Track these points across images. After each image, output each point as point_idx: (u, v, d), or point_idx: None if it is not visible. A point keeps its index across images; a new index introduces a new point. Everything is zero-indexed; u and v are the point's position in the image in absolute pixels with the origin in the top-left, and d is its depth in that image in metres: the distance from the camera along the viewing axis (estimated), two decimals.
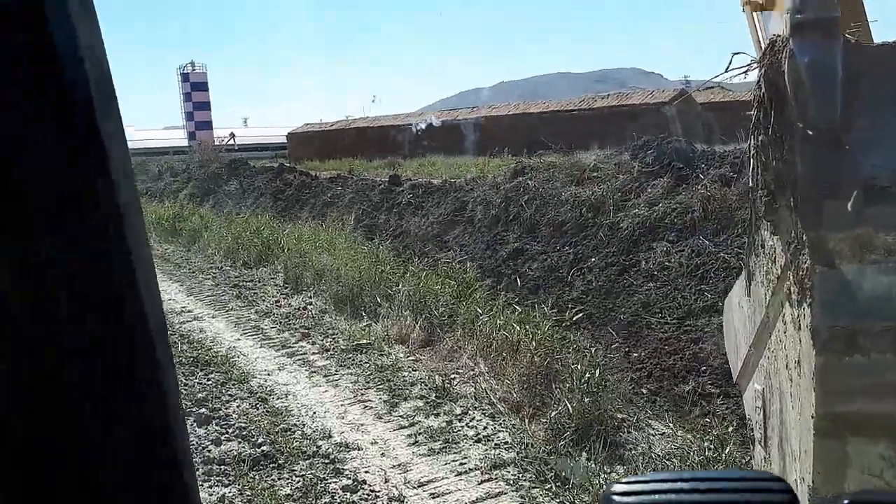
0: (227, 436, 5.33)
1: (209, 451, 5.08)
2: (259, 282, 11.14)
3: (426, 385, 6.11)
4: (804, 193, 2.61)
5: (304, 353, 7.45)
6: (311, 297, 9.69)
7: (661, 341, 8.06)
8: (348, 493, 4.43)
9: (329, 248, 11.15)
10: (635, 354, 7.69)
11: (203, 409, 5.77)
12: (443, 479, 4.56)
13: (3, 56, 0.49)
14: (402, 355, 7.04)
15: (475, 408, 5.59)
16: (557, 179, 13.54)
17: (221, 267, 12.66)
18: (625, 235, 10.97)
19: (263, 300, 9.94)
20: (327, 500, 4.37)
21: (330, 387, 6.40)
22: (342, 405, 5.92)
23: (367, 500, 4.38)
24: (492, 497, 4.32)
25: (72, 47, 0.51)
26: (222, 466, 4.83)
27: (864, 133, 2.55)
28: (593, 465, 4.49)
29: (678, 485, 0.66)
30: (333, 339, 7.85)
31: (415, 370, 6.58)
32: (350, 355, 7.18)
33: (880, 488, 2.39)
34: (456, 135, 26.53)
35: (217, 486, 4.60)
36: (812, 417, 2.52)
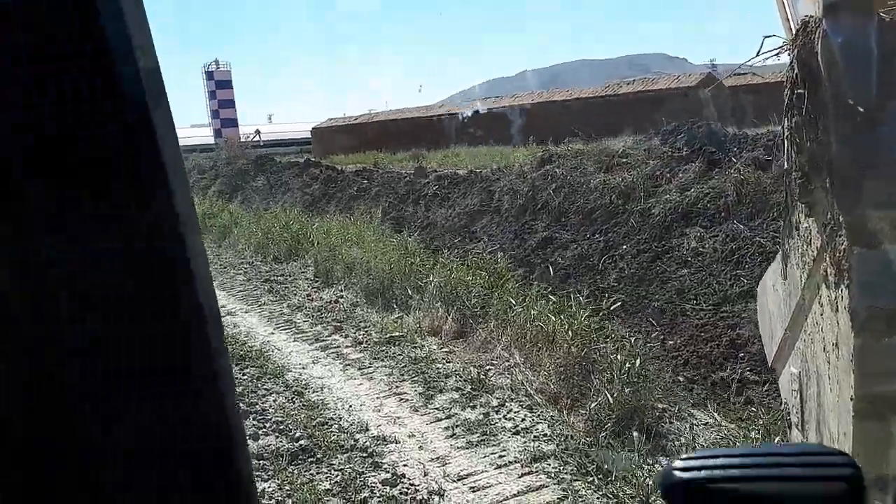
0: (264, 430, 5.34)
1: (247, 446, 5.08)
2: (290, 276, 11.18)
3: (461, 377, 6.06)
4: (839, 174, 2.58)
5: (338, 347, 7.45)
6: (342, 291, 9.69)
7: (696, 328, 7.92)
8: (388, 487, 4.40)
9: (358, 242, 11.14)
10: (671, 342, 7.57)
11: (240, 404, 5.79)
12: (482, 472, 4.51)
13: (56, 50, 0.49)
14: (435, 347, 7.00)
15: (512, 399, 5.52)
16: (585, 167, 13.39)
17: (252, 262, 12.74)
18: (656, 222, 10.80)
19: (295, 294, 9.97)
20: (367, 495, 4.34)
21: (365, 380, 6.39)
22: (378, 398, 5.90)
23: (406, 494, 4.34)
24: (533, 490, 4.26)
25: (123, 41, 0.51)
26: (261, 461, 4.83)
27: None
28: (636, 457, 4.39)
29: (740, 460, 0.67)
30: (366, 331, 7.84)
31: (449, 362, 6.53)
32: (383, 348, 7.15)
33: None
34: (502, 123, 26.13)
35: (256, 480, 4.60)
36: (851, 399, 2.50)
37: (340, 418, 5.52)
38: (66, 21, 0.49)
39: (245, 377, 6.53)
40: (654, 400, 5.10)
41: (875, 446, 2.45)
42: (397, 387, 6.10)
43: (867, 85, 2.49)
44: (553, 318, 6.08)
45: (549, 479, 4.35)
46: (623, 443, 4.61)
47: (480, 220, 14.55)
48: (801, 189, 2.95)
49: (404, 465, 4.68)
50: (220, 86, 41.97)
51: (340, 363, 6.91)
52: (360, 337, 7.67)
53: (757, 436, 4.48)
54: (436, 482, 4.43)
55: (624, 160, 12.98)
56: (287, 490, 4.46)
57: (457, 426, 5.18)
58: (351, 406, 5.77)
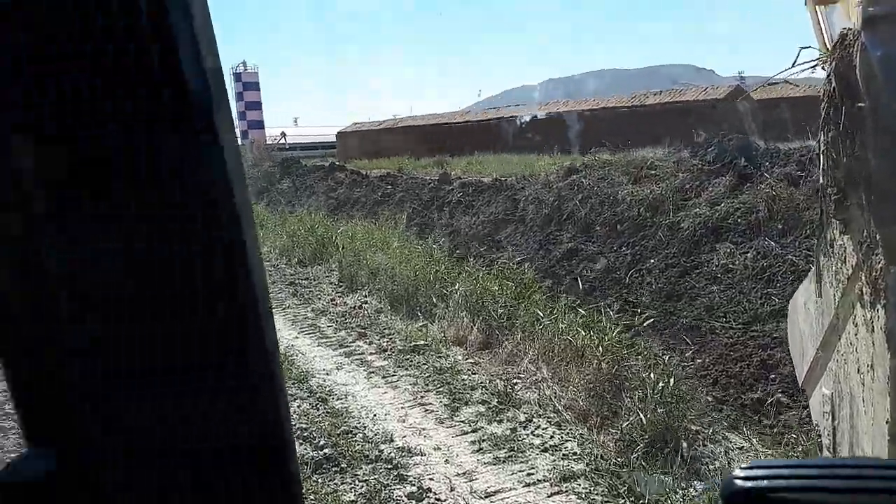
0: None
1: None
2: (314, 280, 11.16)
3: (487, 389, 5.97)
4: (877, 189, 2.50)
5: (362, 353, 7.39)
6: (366, 296, 9.65)
7: (726, 347, 7.75)
8: (413, 502, 4.32)
9: (382, 247, 11.10)
10: (699, 360, 7.42)
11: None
12: (510, 489, 4.40)
13: (127, 47, 0.49)
14: (460, 357, 6.91)
15: (539, 415, 5.42)
16: (613, 177, 13.25)
17: (277, 265, 12.75)
18: (685, 236, 10.65)
19: (319, 298, 9.94)
20: None
21: (389, 388, 6.31)
22: (402, 408, 5.82)
23: None
24: None
25: (190, 38, 0.51)
26: None
27: None
28: (669, 480, 4.27)
29: (802, 471, 0.67)
30: (390, 338, 7.77)
31: (474, 373, 6.44)
32: (407, 356, 7.08)
33: None
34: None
35: None
36: (886, 423, 2.43)
37: (365, 427, 5.45)
38: (135, 20, 0.49)
39: None
40: (687, 421, 4.97)
41: None
42: (422, 397, 6.02)
43: None
44: (583, 332, 5.96)
45: (579, 500, 4.24)
46: (656, 465, 4.48)
47: (505, 229, 14.44)
48: (837, 205, 2.90)
49: (430, 479, 4.59)
50: (247, 87, 42.30)
51: (364, 370, 6.85)
52: (384, 344, 7.60)
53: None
54: (463, 498, 4.33)
55: (652, 172, 12.82)
56: (311, 500, 4.38)
57: (483, 440, 5.09)
58: (375, 415, 5.70)
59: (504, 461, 4.77)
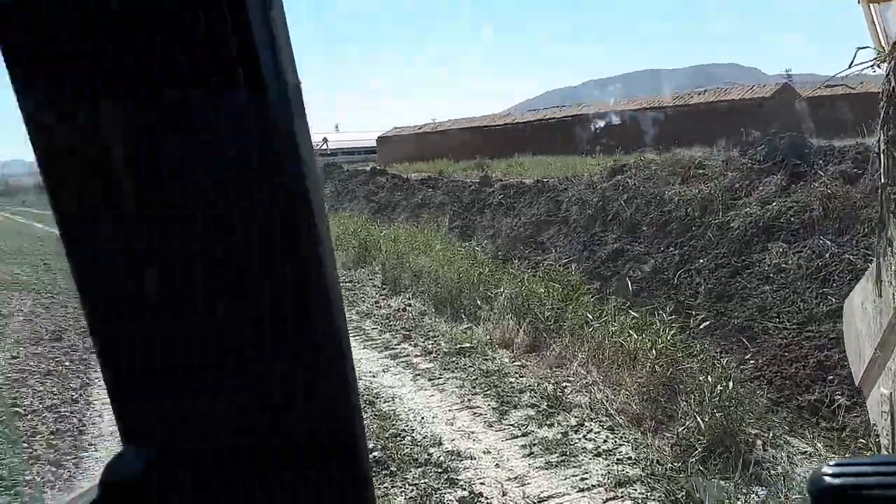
0: None
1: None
2: (358, 283, 11.18)
3: (536, 392, 5.86)
4: None
5: (407, 356, 7.34)
6: (409, 299, 9.61)
7: (780, 348, 7.51)
8: None
9: (425, 250, 11.06)
10: (752, 362, 7.19)
11: None
12: (564, 495, 4.29)
13: (209, 65, 0.51)
14: (506, 360, 6.81)
15: (591, 419, 5.28)
16: (659, 177, 13.00)
17: None
18: (736, 236, 10.38)
19: (363, 301, 9.94)
20: None
21: (436, 391, 6.25)
22: (450, 411, 5.75)
23: None
24: None
25: (269, 36, 0.53)
26: None
27: None
28: (731, 487, 4.10)
29: (890, 468, 0.66)
30: (435, 341, 7.71)
31: (522, 376, 6.33)
32: (453, 359, 7.01)
33: None
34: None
35: None
36: None
37: (413, 430, 5.39)
38: (222, 39, 0.51)
39: None
40: (745, 425, 4.79)
41: None
42: (470, 400, 5.93)
43: None
44: (635, 335, 5.81)
45: None
46: (715, 470, 4.32)
47: (547, 231, 14.30)
48: None
49: (481, 483, 4.50)
50: None
51: (410, 373, 6.80)
52: (430, 346, 7.54)
53: None
54: None
55: (700, 171, 12.54)
56: None
57: (534, 444, 4.98)
58: (423, 418, 5.63)
59: (556, 466, 4.66)
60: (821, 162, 10.88)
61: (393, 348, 7.64)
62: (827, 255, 8.68)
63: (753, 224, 10.26)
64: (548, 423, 5.31)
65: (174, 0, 0.51)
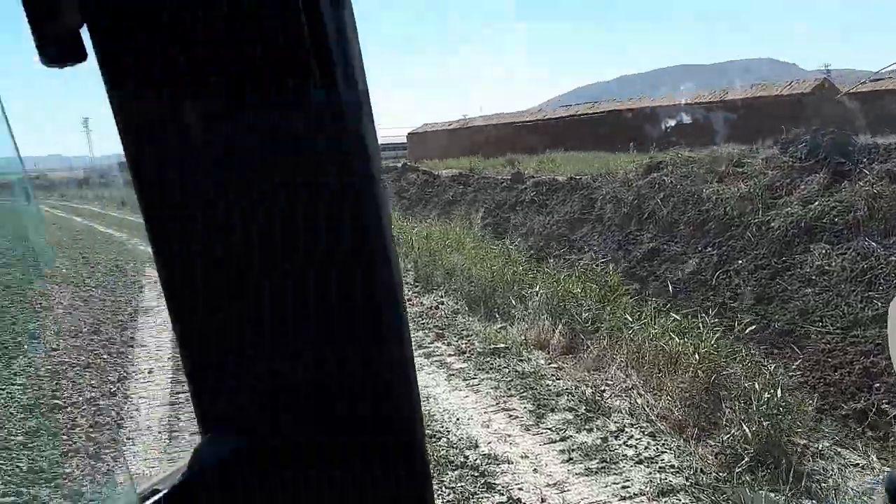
0: None
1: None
2: None
3: (573, 396, 5.75)
4: None
5: (441, 355, 7.28)
6: (442, 297, 9.55)
7: (823, 353, 7.31)
8: None
9: (457, 247, 10.98)
10: (794, 367, 7.00)
11: None
12: (605, 503, 4.19)
13: (284, 46, 0.53)
14: (542, 362, 6.71)
15: (632, 425, 5.17)
16: (696, 175, 12.74)
17: None
18: (776, 236, 10.14)
19: None
20: None
21: (470, 392, 6.18)
22: (485, 413, 5.67)
23: None
24: None
25: (341, 37, 0.54)
26: None
27: None
28: (781, 499, 3.97)
29: None
30: (468, 340, 7.64)
31: (558, 379, 6.23)
32: (488, 359, 6.93)
33: None
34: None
35: None
36: None
37: (448, 432, 5.33)
38: (299, 40, 0.52)
39: None
40: (793, 434, 4.64)
41: None
42: (505, 402, 5.85)
43: None
44: (676, 338, 5.66)
45: None
46: (763, 481, 4.18)
47: (581, 229, 14.12)
48: None
49: (519, 489, 4.42)
50: None
51: (444, 372, 6.74)
52: (463, 346, 7.47)
53: None
54: None
55: (739, 169, 12.27)
56: None
57: (573, 450, 4.88)
58: (458, 419, 5.57)
59: (596, 472, 4.55)
60: (865, 160, 10.58)
61: (426, 347, 7.58)
62: (872, 258, 8.44)
63: (795, 224, 10.00)
64: (586, 427, 5.21)
65: (253, 1, 0.53)
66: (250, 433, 0.59)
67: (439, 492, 4.44)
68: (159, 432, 5.96)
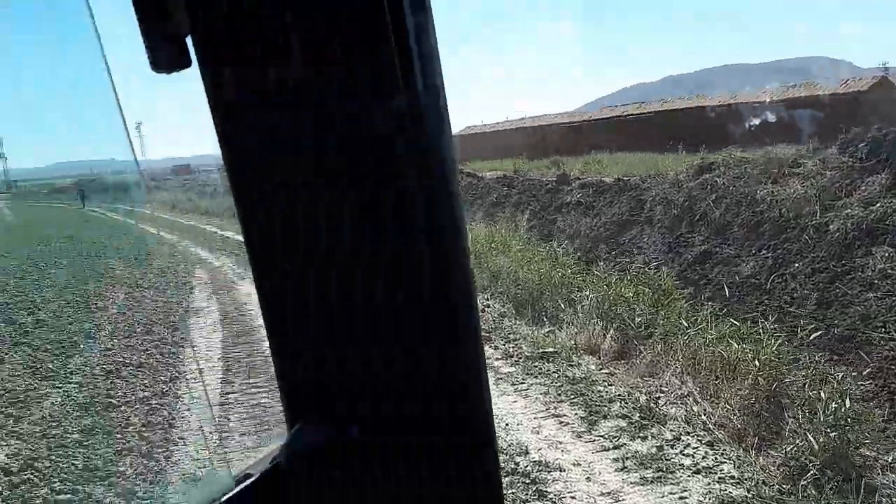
0: None
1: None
2: None
3: (627, 403, 5.60)
4: None
5: (488, 358, 7.16)
6: (488, 300, 9.46)
7: (887, 360, 7.01)
8: None
9: (503, 250, 10.88)
10: (855, 374, 6.71)
11: None
12: None
13: (371, 53, 0.55)
14: (593, 367, 6.57)
15: (688, 433, 4.99)
16: (750, 176, 12.39)
17: None
18: (835, 239, 9.80)
19: None
20: None
21: (519, 397, 6.07)
22: (535, 418, 5.56)
23: None
24: None
25: (422, 43, 0.55)
26: None
27: None
28: None
29: None
30: (516, 344, 7.53)
31: (610, 385, 6.07)
32: (536, 363, 6.81)
33: None
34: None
35: None
36: None
37: (498, 437, 5.22)
38: (386, 46, 0.54)
39: None
40: (861, 446, 4.42)
41: None
42: (556, 408, 5.73)
43: None
44: (735, 344, 5.47)
45: None
46: (829, 495, 3.98)
47: (629, 231, 13.88)
48: None
49: (572, 498, 4.30)
50: None
51: (492, 376, 6.64)
52: (511, 350, 7.37)
53: None
54: None
55: (795, 170, 11.89)
56: None
57: (627, 458, 4.73)
58: (507, 424, 5.47)
59: (652, 482, 4.41)
60: None
61: None
62: None
63: (855, 226, 9.65)
64: (641, 435, 5.05)
65: (347, 9, 0.54)
66: (334, 428, 0.61)
67: None
68: (210, 432, 6.02)
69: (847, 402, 4.49)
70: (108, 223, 28.55)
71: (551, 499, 4.30)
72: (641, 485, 4.39)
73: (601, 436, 5.13)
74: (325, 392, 0.61)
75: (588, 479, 4.53)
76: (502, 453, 4.96)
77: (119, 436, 6.10)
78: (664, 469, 4.54)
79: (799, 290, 9.51)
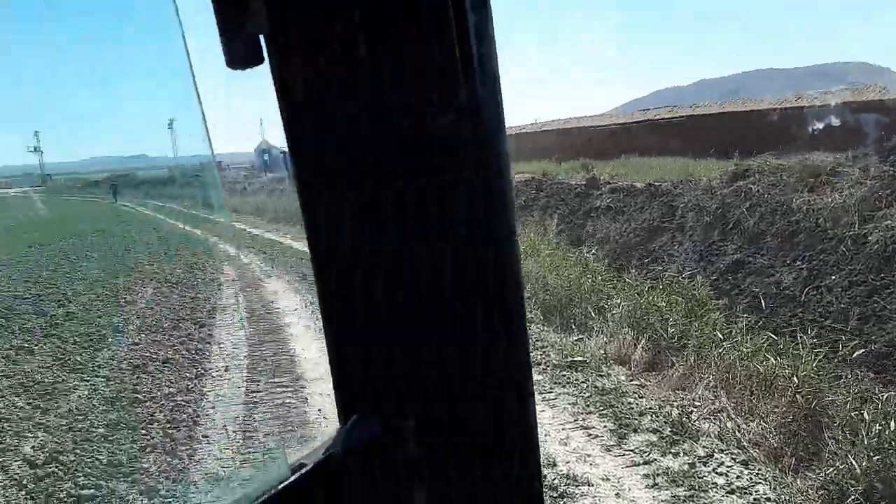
0: None
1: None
2: None
3: (657, 416, 5.45)
4: None
5: None
6: None
7: None
8: None
9: (532, 254, 10.75)
10: (894, 392, 6.48)
11: None
12: None
13: (438, 49, 0.55)
14: (623, 378, 6.42)
15: (721, 450, 4.84)
16: (786, 184, 12.10)
17: None
18: (874, 251, 9.51)
19: None
20: None
21: (546, 406, 5.95)
22: (563, 429, 5.44)
23: None
24: None
25: (482, 38, 0.56)
26: None
27: None
28: None
29: None
30: (544, 351, 7.40)
31: (641, 397, 5.93)
32: (564, 372, 6.68)
33: None
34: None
35: None
36: None
37: None
38: (450, 41, 0.55)
39: None
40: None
41: None
42: (584, 419, 5.60)
43: None
44: (773, 359, 5.29)
45: None
46: None
47: (660, 238, 13.65)
48: None
49: None
50: None
51: None
52: (538, 357, 7.24)
53: None
54: None
55: (833, 179, 11.58)
56: None
57: (658, 474, 4.59)
58: None
59: (684, 501, 4.26)
60: None
61: None
62: None
63: (895, 239, 9.36)
64: (672, 451, 4.91)
65: (411, 6, 0.55)
66: (387, 422, 0.61)
67: None
68: (234, 431, 6.00)
69: (892, 423, 4.30)
70: (139, 218, 28.94)
71: None
72: (673, 503, 4.26)
73: (631, 450, 5.00)
74: (379, 387, 0.62)
75: (618, 494, 4.41)
76: None
77: (144, 432, 6.11)
78: (696, 487, 4.40)
79: (835, 303, 9.23)
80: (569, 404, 5.94)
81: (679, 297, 7.45)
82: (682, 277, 8.81)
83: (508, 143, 0.63)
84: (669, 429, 5.20)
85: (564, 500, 4.36)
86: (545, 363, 7.03)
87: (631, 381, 6.32)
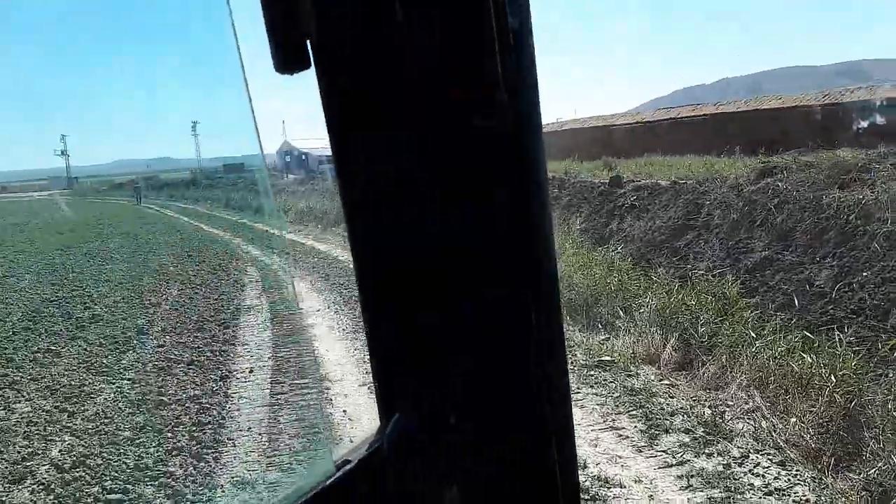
0: None
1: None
2: None
3: (689, 416, 5.33)
4: None
5: None
6: None
7: None
8: None
9: (558, 253, 10.64)
10: None
11: None
12: None
13: (476, 51, 0.56)
14: (653, 378, 6.30)
15: (757, 451, 4.71)
16: (815, 181, 11.87)
17: None
18: None
19: None
20: None
21: (575, 407, 5.85)
22: (593, 430, 5.34)
23: None
24: None
25: (519, 41, 0.57)
26: None
27: None
28: None
29: None
30: (570, 351, 7.30)
31: (672, 397, 5.81)
32: (592, 372, 6.58)
33: None
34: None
35: None
36: None
37: None
38: (489, 45, 0.56)
39: None
40: None
41: None
42: (614, 420, 5.50)
43: None
44: (808, 358, 5.15)
45: None
46: None
47: (685, 236, 13.45)
48: None
49: None
50: None
51: None
52: None
53: None
54: None
55: (864, 175, 11.33)
56: None
57: (692, 476, 4.48)
58: None
59: (720, 503, 4.16)
60: None
61: None
62: None
63: None
64: (706, 452, 4.79)
65: (452, 12, 0.55)
66: (424, 421, 0.62)
67: None
68: (259, 434, 5.97)
69: None
70: (162, 220, 29.19)
71: None
72: None
73: (663, 451, 4.89)
74: (419, 385, 0.62)
75: (651, 496, 4.31)
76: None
77: (170, 435, 6.11)
78: (733, 489, 4.28)
79: (868, 300, 9.03)
80: (597, 405, 5.83)
81: (709, 295, 7.31)
82: (712, 275, 8.64)
83: (543, 147, 0.63)
84: (702, 429, 5.08)
85: (597, 502, 4.27)
86: (572, 363, 6.93)
87: (661, 380, 6.20)
